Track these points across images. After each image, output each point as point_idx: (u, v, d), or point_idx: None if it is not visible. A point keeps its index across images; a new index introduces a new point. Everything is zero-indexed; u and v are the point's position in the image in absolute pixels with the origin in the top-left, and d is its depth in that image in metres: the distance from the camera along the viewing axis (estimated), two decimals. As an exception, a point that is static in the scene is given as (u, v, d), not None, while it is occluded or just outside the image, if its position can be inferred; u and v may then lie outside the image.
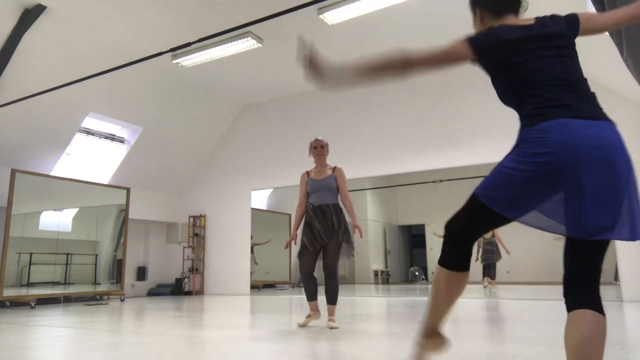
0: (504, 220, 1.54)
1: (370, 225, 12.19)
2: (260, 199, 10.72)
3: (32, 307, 6.38)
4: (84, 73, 6.18)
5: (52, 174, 7.33)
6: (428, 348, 1.75)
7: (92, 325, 4.31)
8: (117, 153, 8.34)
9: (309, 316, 3.92)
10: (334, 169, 4.07)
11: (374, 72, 1.63)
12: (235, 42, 6.41)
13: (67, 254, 7.41)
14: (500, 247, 9.27)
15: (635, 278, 5.76)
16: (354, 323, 4.14)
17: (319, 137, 4.22)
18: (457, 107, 7.22)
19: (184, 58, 6.84)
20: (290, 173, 8.69)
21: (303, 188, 4.07)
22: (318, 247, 3.85)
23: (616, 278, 7.72)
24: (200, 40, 4.22)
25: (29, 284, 6.87)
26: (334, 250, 3.85)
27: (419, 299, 7.01)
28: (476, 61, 1.66)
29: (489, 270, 9.26)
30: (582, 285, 1.53)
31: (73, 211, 7.74)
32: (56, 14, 5.89)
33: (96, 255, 7.89)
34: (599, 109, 1.55)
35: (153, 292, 9.10)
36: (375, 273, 12.09)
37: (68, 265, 7.39)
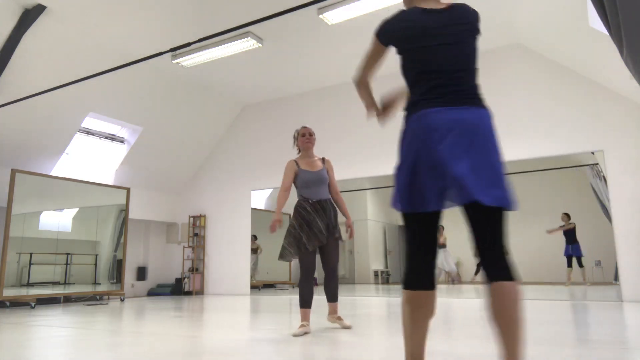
0: (431, 218, 1.60)
1: (370, 225, 12.19)
2: (260, 199, 10.72)
3: (32, 307, 6.39)
4: (84, 73, 6.18)
5: (52, 174, 7.33)
6: None
7: (92, 325, 4.31)
8: (117, 153, 8.34)
9: (303, 326, 3.49)
10: (323, 160, 3.79)
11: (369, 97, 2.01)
12: (235, 42, 6.41)
13: (67, 254, 7.41)
14: None
15: (635, 278, 5.76)
16: (354, 323, 4.14)
17: (307, 125, 3.93)
18: (457, 107, 7.22)
19: (184, 58, 6.84)
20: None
21: (290, 176, 3.68)
22: (317, 245, 3.59)
23: (616, 278, 7.71)
24: (200, 40, 4.22)
25: (29, 284, 6.87)
26: (335, 248, 3.68)
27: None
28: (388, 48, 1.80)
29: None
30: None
31: (73, 211, 7.74)
32: (56, 14, 5.89)
33: (96, 255, 7.90)
34: (466, 96, 1.63)
35: (153, 292, 9.10)
36: (375, 273, 12.10)
37: (68, 265, 7.39)
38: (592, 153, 6.75)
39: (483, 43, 6.91)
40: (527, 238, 10.39)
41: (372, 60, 1.89)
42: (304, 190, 3.68)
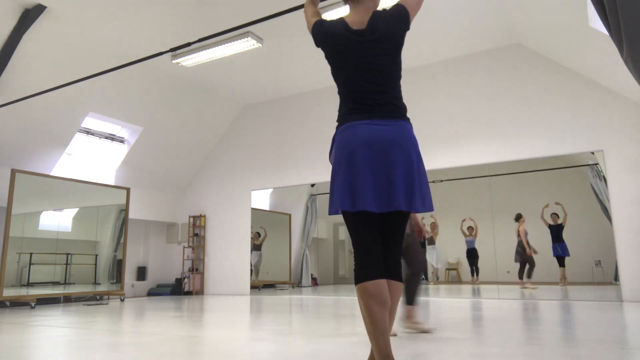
0: (371, 217, 1.72)
1: (370, 225, 12.16)
2: (262, 199, 10.72)
3: (32, 307, 6.38)
4: (84, 73, 6.18)
5: (52, 174, 7.32)
6: None
7: (92, 325, 4.31)
8: (117, 153, 8.34)
9: (418, 322, 3.32)
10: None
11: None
12: (235, 42, 6.40)
13: (67, 254, 7.41)
14: (526, 246, 9.19)
15: (635, 278, 5.76)
16: (355, 323, 4.14)
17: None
18: (457, 107, 7.22)
19: (184, 58, 6.84)
20: (290, 173, 8.70)
21: None
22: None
23: (616, 278, 7.70)
24: (200, 40, 4.22)
25: (29, 284, 6.87)
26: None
27: (419, 298, 7.00)
28: None
29: (522, 271, 9.16)
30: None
31: (73, 211, 7.74)
32: (56, 14, 5.89)
33: (96, 255, 7.89)
34: (392, 106, 1.78)
35: (153, 292, 9.10)
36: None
37: (68, 265, 7.39)
38: (592, 153, 6.75)
39: (483, 43, 6.93)
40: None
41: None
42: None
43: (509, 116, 6.77)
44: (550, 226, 9.26)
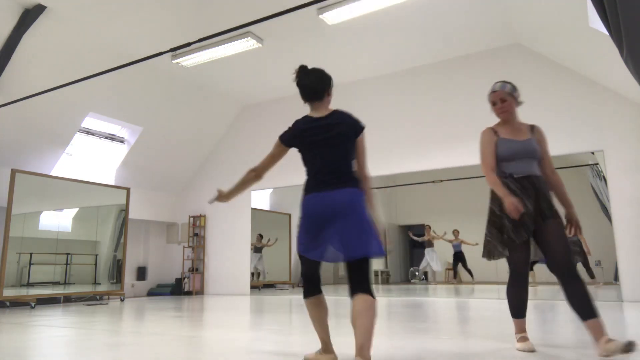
0: (312, 261, 2.36)
1: (370, 225, 12.17)
2: (262, 199, 10.72)
3: (32, 307, 6.38)
4: (84, 73, 6.18)
5: (52, 174, 7.32)
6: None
7: (92, 325, 4.31)
8: (117, 153, 8.34)
9: (523, 339, 2.71)
10: (532, 128, 2.79)
11: (241, 190, 2.61)
12: (235, 42, 6.40)
13: (67, 254, 7.41)
14: (583, 245, 9.22)
15: (635, 278, 5.76)
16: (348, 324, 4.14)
17: (496, 88, 2.80)
18: (457, 107, 7.22)
19: (184, 58, 6.84)
20: (290, 173, 8.69)
21: (490, 149, 2.74)
22: (526, 236, 2.58)
23: (616, 278, 7.69)
24: (200, 40, 4.22)
25: (29, 284, 6.87)
26: (559, 236, 2.53)
27: (419, 298, 7.01)
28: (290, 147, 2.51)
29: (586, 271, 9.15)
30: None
31: (73, 211, 7.74)
32: (56, 14, 5.89)
33: (96, 255, 7.89)
34: (344, 178, 2.31)
35: (153, 292, 9.10)
36: (375, 273, 12.08)
37: (68, 265, 7.39)
38: (592, 153, 6.75)
39: (483, 43, 6.93)
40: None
41: (273, 157, 2.58)
42: (506, 164, 2.70)
43: (509, 116, 6.76)
44: None
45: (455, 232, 10.94)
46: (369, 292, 2.22)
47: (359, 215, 2.20)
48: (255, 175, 2.57)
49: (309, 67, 2.66)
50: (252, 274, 10.39)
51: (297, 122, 2.50)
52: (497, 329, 3.62)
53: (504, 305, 5.55)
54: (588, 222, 10.80)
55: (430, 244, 11.43)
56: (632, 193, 5.92)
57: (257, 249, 10.58)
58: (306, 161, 2.44)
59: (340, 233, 2.17)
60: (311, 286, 2.42)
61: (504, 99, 2.75)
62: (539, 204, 2.60)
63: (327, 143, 2.34)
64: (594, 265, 10.34)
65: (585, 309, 2.33)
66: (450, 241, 11.29)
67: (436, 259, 11.39)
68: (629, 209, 5.91)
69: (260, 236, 10.33)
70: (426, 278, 11.90)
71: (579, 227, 2.68)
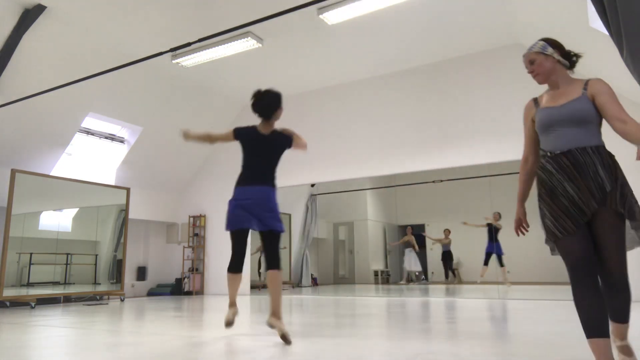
0: (242, 233, 3.39)
1: (370, 225, 12.20)
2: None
3: (32, 307, 6.39)
4: (84, 73, 6.18)
5: (52, 174, 7.32)
6: (230, 312, 3.49)
7: (92, 325, 4.31)
8: (117, 153, 8.34)
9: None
10: (587, 84, 2.24)
11: (200, 140, 3.49)
12: (235, 42, 6.40)
13: (67, 254, 7.41)
14: None
15: (635, 278, 5.75)
16: (355, 323, 4.14)
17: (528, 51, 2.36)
18: (457, 107, 7.22)
19: (184, 58, 6.84)
20: (291, 173, 8.69)
21: (529, 126, 2.31)
22: (571, 226, 2.01)
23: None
24: (200, 40, 4.22)
25: (29, 284, 6.87)
26: (613, 232, 1.98)
27: (419, 299, 7.01)
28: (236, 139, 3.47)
29: None
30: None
31: (73, 211, 7.74)
32: (56, 14, 5.89)
33: (96, 255, 7.89)
34: (267, 178, 3.37)
35: (153, 292, 9.10)
36: (375, 273, 12.10)
37: (68, 265, 7.39)
38: (592, 153, 6.75)
39: (483, 43, 6.93)
40: (526, 238, 10.37)
41: (223, 139, 3.52)
42: (544, 138, 2.21)
43: (509, 116, 6.76)
44: (490, 225, 9.61)
45: (446, 232, 10.98)
46: (277, 267, 3.25)
47: (272, 204, 3.28)
48: (210, 140, 3.52)
49: (263, 90, 3.38)
50: (260, 274, 10.50)
51: (249, 129, 3.41)
52: (497, 329, 3.62)
53: (503, 304, 5.55)
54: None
55: (409, 244, 11.50)
56: (632, 193, 5.92)
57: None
58: (245, 157, 3.41)
59: (260, 213, 3.23)
60: (238, 264, 3.40)
61: (533, 60, 2.30)
62: (588, 185, 2.02)
63: (264, 155, 3.36)
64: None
65: (614, 310, 2.01)
66: (439, 241, 11.38)
67: (415, 259, 11.47)
68: (629, 209, 5.90)
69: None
70: (426, 278, 11.91)
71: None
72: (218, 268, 9.03)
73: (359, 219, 12.66)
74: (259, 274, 10.31)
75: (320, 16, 5.73)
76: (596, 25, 4.91)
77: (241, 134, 3.38)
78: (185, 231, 9.38)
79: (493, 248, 9.28)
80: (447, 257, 10.95)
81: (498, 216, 9.38)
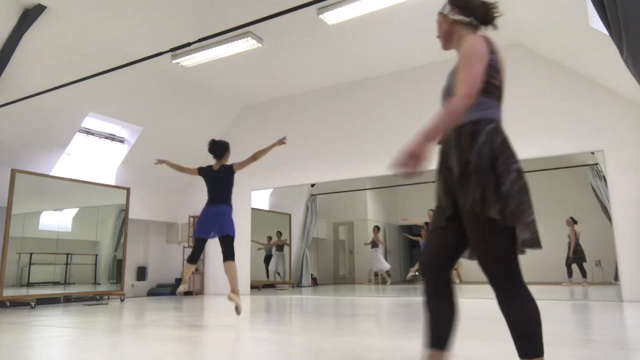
0: (202, 240, 4.53)
1: (370, 225, 12.19)
2: (262, 199, 10.72)
3: (32, 307, 6.38)
4: (84, 73, 6.18)
5: (52, 174, 7.32)
6: (183, 286, 4.65)
7: (92, 325, 4.31)
8: (117, 153, 8.34)
9: None
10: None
11: (172, 167, 4.98)
12: (235, 42, 6.40)
13: (67, 254, 7.40)
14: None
15: (635, 278, 5.76)
16: (355, 323, 4.14)
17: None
18: (457, 107, 7.22)
19: (184, 58, 6.84)
20: (290, 173, 8.70)
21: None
22: (444, 219, 1.72)
23: (616, 278, 7.71)
24: (200, 40, 4.22)
25: (29, 284, 6.87)
26: (473, 229, 1.62)
27: (419, 299, 7.01)
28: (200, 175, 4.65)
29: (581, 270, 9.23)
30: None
31: (73, 211, 7.73)
32: (56, 14, 5.89)
33: (96, 255, 7.89)
34: (223, 199, 4.50)
35: (153, 292, 9.09)
36: (375, 273, 12.09)
37: (68, 265, 7.38)
38: (592, 153, 6.76)
39: (483, 43, 6.93)
40: (527, 238, 10.37)
41: (189, 172, 4.80)
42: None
43: (509, 116, 6.71)
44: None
45: (423, 231, 10.97)
46: (232, 259, 4.41)
47: (227, 218, 4.44)
48: (180, 170, 4.84)
49: (216, 140, 4.75)
50: (269, 273, 10.64)
51: (207, 167, 4.66)
52: (497, 329, 3.62)
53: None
54: (588, 222, 10.88)
55: (375, 244, 11.48)
56: (632, 193, 5.92)
57: (279, 247, 10.69)
58: (207, 186, 4.55)
59: (218, 224, 4.38)
60: (195, 258, 4.54)
61: (438, 23, 1.94)
62: (443, 175, 1.78)
63: (217, 185, 4.53)
64: (594, 265, 10.35)
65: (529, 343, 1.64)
66: (416, 239, 11.42)
67: (377, 259, 11.47)
68: (629, 209, 5.91)
69: (280, 233, 10.45)
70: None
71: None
72: (218, 268, 9.02)
73: (359, 219, 12.66)
74: (267, 271, 10.61)
75: (320, 16, 5.73)
76: (596, 25, 4.91)
77: (202, 171, 4.65)
78: (185, 231, 9.38)
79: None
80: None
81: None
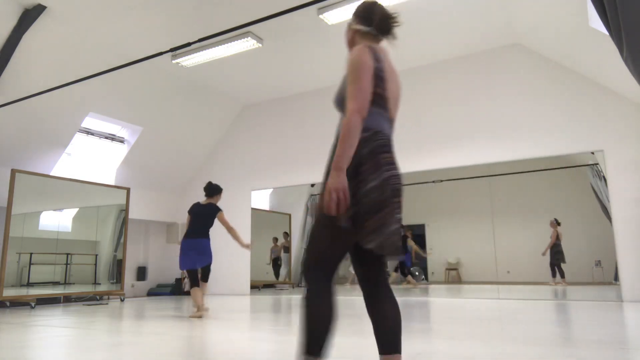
0: (193, 270, 5.06)
1: (370, 225, 12.17)
2: (262, 199, 10.71)
3: (32, 307, 6.38)
4: (84, 73, 6.18)
5: (52, 174, 7.32)
6: (197, 313, 4.96)
7: (92, 325, 4.31)
8: (117, 153, 8.34)
9: None
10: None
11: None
12: (235, 42, 6.40)
13: (67, 254, 7.40)
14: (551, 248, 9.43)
15: (635, 278, 5.76)
16: (355, 323, 4.14)
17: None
18: (457, 107, 7.22)
19: (184, 58, 6.84)
20: (290, 173, 8.70)
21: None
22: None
23: (616, 278, 7.70)
24: (200, 40, 4.22)
25: (29, 284, 6.87)
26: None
27: (419, 299, 7.01)
28: None
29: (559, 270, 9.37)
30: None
31: (73, 211, 7.73)
32: (56, 14, 5.89)
33: (96, 255, 7.89)
34: (201, 234, 5.09)
35: (153, 292, 9.09)
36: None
37: (68, 265, 7.38)
38: (592, 153, 6.75)
39: (483, 43, 6.93)
40: (526, 238, 10.38)
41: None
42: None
43: (509, 116, 6.77)
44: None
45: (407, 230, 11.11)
46: (206, 281, 5.16)
47: (207, 250, 5.03)
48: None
49: (212, 182, 5.32)
50: (280, 275, 10.78)
51: (194, 205, 5.21)
52: (497, 329, 3.62)
53: (504, 305, 5.55)
54: (588, 222, 10.89)
55: None
56: (632, 193, 5.92)
57: (286, 249, 10.75)
58: (190, 220, 5.08)
59: (200, 259, 4.98)
60: (196, 281, 4.95)
61: (345, 32, 2.05)
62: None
63: (201, 218, 5.08)
64: (594, 265, 10.34)
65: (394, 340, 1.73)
66: (426, 254, 11.61)
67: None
68: (629, 209, 5.91)
69: (287, 234, 10.48)
70: (426, 278, 11.91)
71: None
72: (218, 268, 9.02)
73: (359, 219, 12.63)
74: (275, 274, 10.77)
75: (320, 16, 5.73)
76: (596, 25, 4.91)
77: (191, 207, 5.24)
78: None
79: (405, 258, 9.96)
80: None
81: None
